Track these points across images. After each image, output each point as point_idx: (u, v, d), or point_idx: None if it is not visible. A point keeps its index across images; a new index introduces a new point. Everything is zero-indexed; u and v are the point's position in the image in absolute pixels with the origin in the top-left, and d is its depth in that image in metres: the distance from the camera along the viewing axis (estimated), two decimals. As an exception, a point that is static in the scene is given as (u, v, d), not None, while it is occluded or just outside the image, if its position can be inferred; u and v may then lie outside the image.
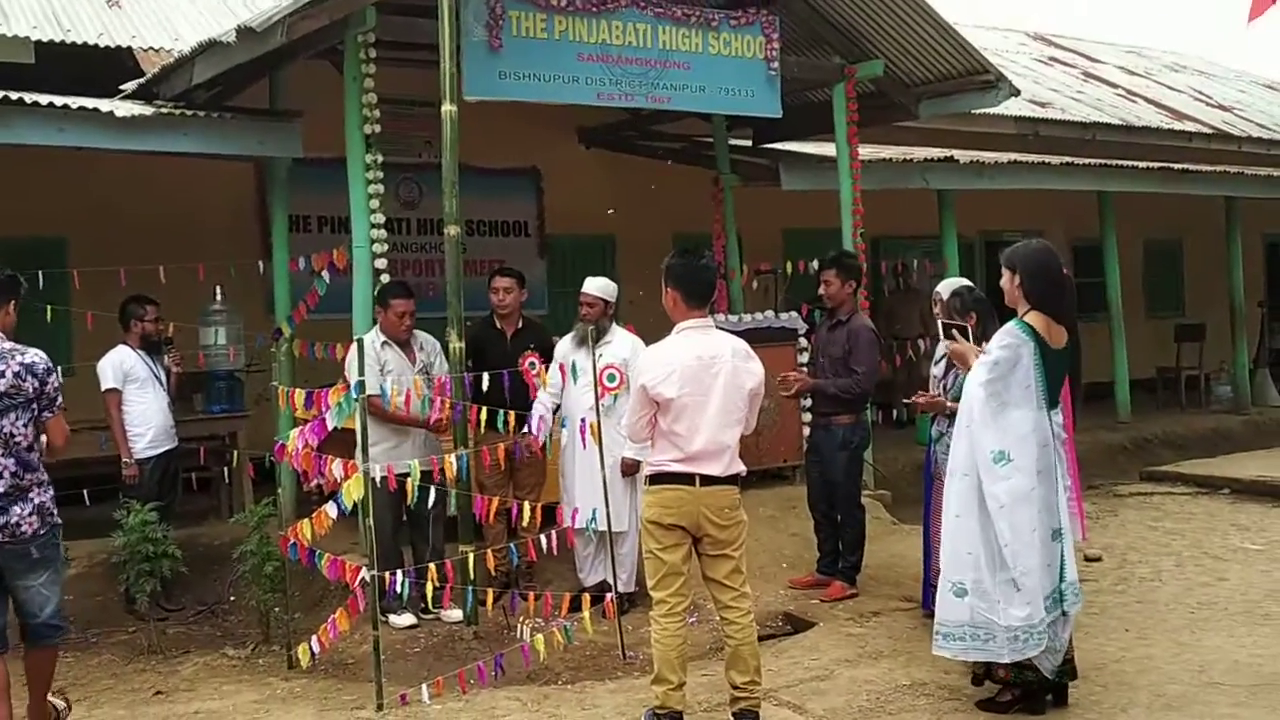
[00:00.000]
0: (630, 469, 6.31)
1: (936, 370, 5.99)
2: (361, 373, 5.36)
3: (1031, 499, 4.44)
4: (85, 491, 7.27)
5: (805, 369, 8.12)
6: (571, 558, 6.80)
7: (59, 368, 7.33)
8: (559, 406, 6.61)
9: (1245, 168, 13.88)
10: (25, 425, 4.50)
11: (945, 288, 5.98)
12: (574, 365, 6.39)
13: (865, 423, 6.83)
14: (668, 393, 4.50)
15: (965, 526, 4.50)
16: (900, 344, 11.06)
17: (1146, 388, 13.79)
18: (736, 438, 4.63)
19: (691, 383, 4.52)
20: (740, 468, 4.66)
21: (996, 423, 4.48)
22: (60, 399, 4.67)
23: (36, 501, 4.50)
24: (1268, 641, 5.55)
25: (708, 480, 4.53)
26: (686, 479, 4.53)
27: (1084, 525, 5.01)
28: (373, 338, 6.40)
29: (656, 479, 4.61)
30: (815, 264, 9.75)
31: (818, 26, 8.64)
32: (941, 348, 5.96)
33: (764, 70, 8.08)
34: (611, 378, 6.40)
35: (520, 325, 6.90)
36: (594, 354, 6.26)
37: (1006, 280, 4.70)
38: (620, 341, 6.55)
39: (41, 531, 4.50)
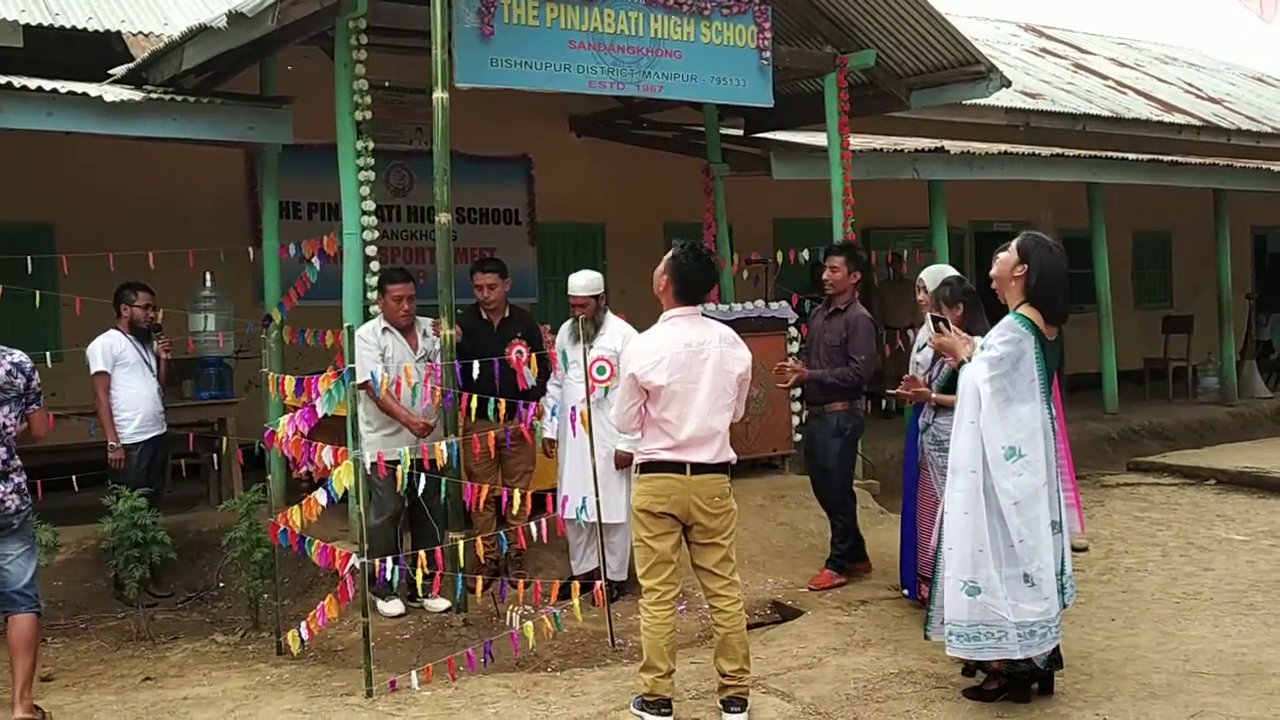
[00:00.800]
0: (624, 461, 6.25)
1: (920, 358, 5.98)
2: (352, 360, 5.36)
3: (1043, 494, 4.44)
4: (74, 477, 7.27)
5: (795, 359, 8.14)
6: (561, 545, 6.82)
7: (47, 353, 7.39)
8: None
9: (1234, 160, 13.92)
10: (16, 418, 4.89)
11: (928, 274, 5.98)
12: (564, 355, 6.41)
13: (859, 411, 6.84)
14: (657, 380, 4.51)
15: (974, 524, 4.45)
16: (890, 334, 11.09)
17: (1134, 379, 13.83)
18: (726, 424, 4.65)
19: (681, 370, 4.53)
20: (730, 455, 4.68)
21: (1004, 418, 4.45)
22: (42, 393, 5.06)
23: (16, 481, 4.87)
24: (1251, 631, 5.60)
25: (698, 468, 4.55)
26: (677, 467, 4.55)
27: (1081, 518, 5.00)
28: (375, 324, 6.40)
29: (647, 467, 4.63)
30: (805, 254, 9.82)
31: (810, 16, 8.64)
32: (924, 334, 5.98)
33: (756, 59, 8.07)
34: (601, 370, 6.37)
35: (507, 314, 6.89)
36: (585, 349, 6.26)
37: (1010, 264, 4.58)
38: (612, 332, 6.51)
39: (22, 508, 4.89)
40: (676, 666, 4.67)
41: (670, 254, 4.71)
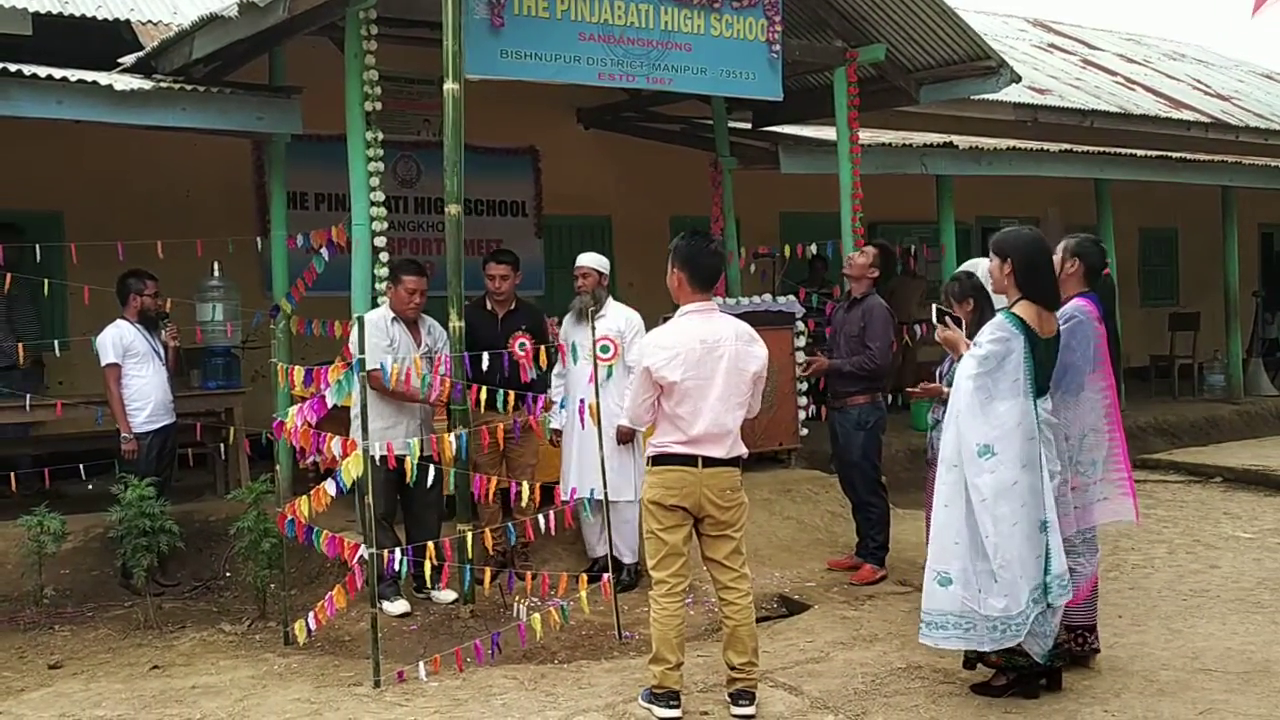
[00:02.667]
0: (625, 436, 6.42)
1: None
2: (363, 350, 5.35)
3: (1014, 493, 4.44)
4: (81, 466, 7.28)
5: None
6: (566, 538, 6.83)
7: (55, 341, 7.41)
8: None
9: (1242, 157, 13.89)
10: None
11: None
12: (574, 346, 6.44)
13: (881, 403, 6.86)
14: (671, 376, 4.50)
15: (952, 516, 4.51)
16: (896, 328, 11.06)
17: (1140, 376, 13.83)
18: (739, 421, 4.64)
19: (695, 366, 4.51)
20: (742, 450, 4.67)
21: (984, 415, 4.48)
22: None
23: None
24: (1259, 629, 5.60)
25: (710, 462, 4.54)
26: (689, 460, 4.54)
27: (1136, 505, 4.96)
28: (384, 313, 6.39)
29: (659, 460, 4.61)
30: (813, 248, 9.80)
31: (820, 9, 8.61)
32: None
33: (766, 53, 8.04)
34: (605, 349, 6.46)
35: (513, 307, 6.90)
36: (592, 326, 6.33)
37: (995, 267, 4.70)
38: (614, 314, 6.63)
39: None
40: (685, 659, 4.67)
41: (672, 246, 4.69)
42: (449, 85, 5.98)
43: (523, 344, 6.64)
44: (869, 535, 6.78)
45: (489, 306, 6.89)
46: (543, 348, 6.61)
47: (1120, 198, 12.71)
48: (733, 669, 4.60)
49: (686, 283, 4.64)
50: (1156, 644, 5.40)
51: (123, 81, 6.89)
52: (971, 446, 4.48)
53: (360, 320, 5.51)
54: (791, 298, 8.97)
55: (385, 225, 6.95)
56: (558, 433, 6.79)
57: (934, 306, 5.35)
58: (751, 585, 4.71)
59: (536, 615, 5.54)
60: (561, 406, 6.63)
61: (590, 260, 6.75)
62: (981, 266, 5.83)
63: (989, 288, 5.64)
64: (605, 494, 6.13)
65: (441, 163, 6.12)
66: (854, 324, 6.71)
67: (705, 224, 10.46)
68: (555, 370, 6.77)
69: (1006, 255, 4.62)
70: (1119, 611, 5.93)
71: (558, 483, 6.80)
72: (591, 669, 5.32)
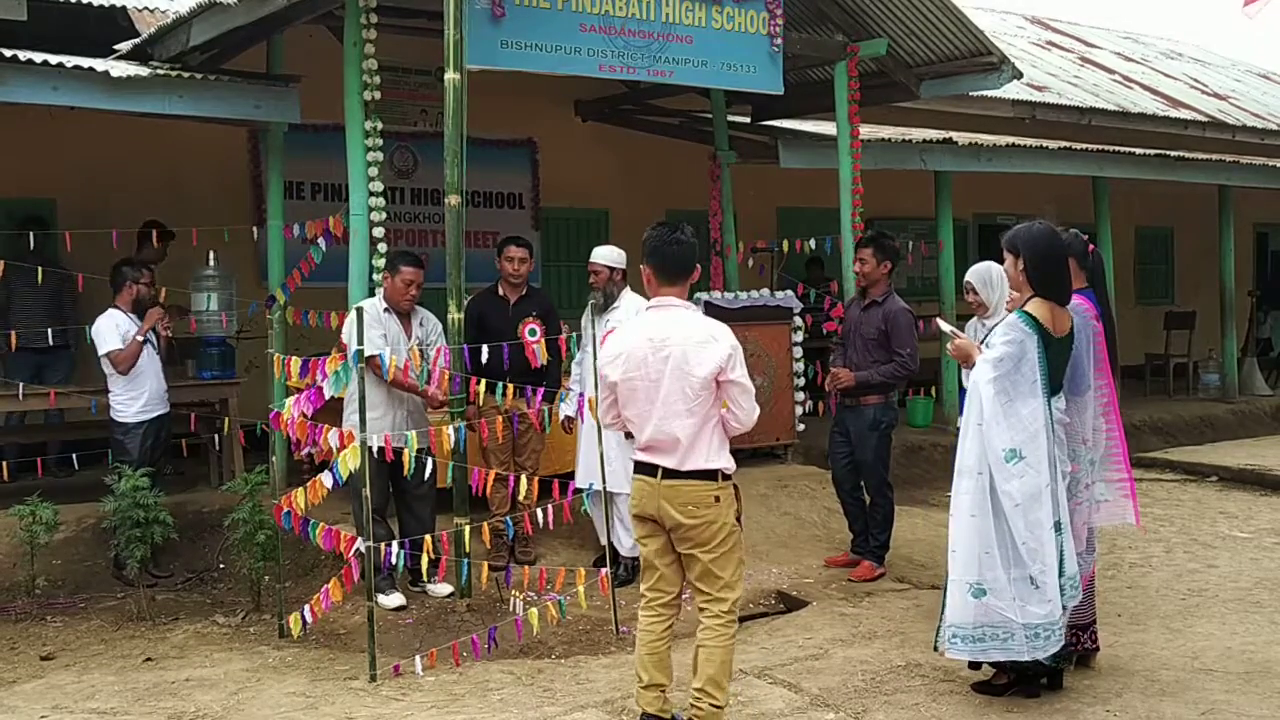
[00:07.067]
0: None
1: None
2: (361, 340, 5.31)
3: (1045, 496, 4.40)
4: (74, 455, 7.22)
5: (804, 346, 8.07)
6: (563, 532, 6.79)
7: (49, 330, 7.33)
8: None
9: (1239, 156, 13.88)
10: None
11: (974, 275, 5.85)
12: (575, 337, 6.41)
13: (894, 402, 6.84)
14: (612, 376, 4.29)
15: (981, 526, 4.43)
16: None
17: (1135, 374, 13.82)
18: (691, 431, 4.15)
19: (638, 367, 4.21)
20: (712, 464, 4.19)
21: (1006, 419, 4.42)
22: None
23: None
24: (1259, 629, 5.58)
25: (669, 474, 4.18)
26: (649, 469, 4.23)
27: (1136, 509, 4.92)
28: (376, 303, 6.32)
29: (635, 468, 4.38)
30: (811, 243, 9.75)
31: (821, 3, 8.56)
32: (973, 326, 5.94)
33: (767, 46, 7.99)
34: None
35: (524, 293, 6.89)
36: (601, 321, 6.29)
37: (1010, 264, 4.66)
38: (626, 306, 6.52)
39: None
40: (669, 680, 4.31)
41: (643, 238, 4.39)
42: (450, 75, 5.93)
43: (532, 330, 6.62)
44: (872, 533, 6.76)
45: (501, 292, 6.87)
46: (546, 338, 6.58)
47: (1116, 196, 12.69)
48: (692, 689, 4.22)
49: (654, 276, 4.33)
50: (1156, 643, 5.38)
51: (119, 68, 6.82)
52: (998, 452, 4.42)
53: (360, 312, 5.45)
54: (789, 292, 8.93)
55: (384, 215, 6.89)
56: (571, 420, 6.74)
57: (937, 320, 5.30)
58: (728, 611, 4.21)
59: (534, 610, 5.50)
60: (562, 399, 6.59)
61: (600, 256, 6.66)
62: (995, 270, 5.77)
63: (1003, 288, 5.59)
64: (605, 486, 6.08)
65: (438, 154, 6.08)
66: (872, 326, 6.62)
67: (703, 218, 10.42)
68: (575, 359, 6.73)
69: (1017, 251, 4.58)
70: (1118, 610, 5.91)
71: (564, 474, 6.75)
72: (589, 664, 5.30)
